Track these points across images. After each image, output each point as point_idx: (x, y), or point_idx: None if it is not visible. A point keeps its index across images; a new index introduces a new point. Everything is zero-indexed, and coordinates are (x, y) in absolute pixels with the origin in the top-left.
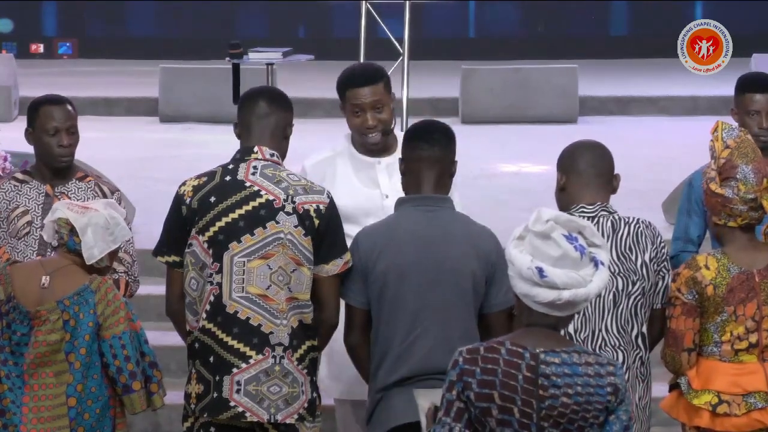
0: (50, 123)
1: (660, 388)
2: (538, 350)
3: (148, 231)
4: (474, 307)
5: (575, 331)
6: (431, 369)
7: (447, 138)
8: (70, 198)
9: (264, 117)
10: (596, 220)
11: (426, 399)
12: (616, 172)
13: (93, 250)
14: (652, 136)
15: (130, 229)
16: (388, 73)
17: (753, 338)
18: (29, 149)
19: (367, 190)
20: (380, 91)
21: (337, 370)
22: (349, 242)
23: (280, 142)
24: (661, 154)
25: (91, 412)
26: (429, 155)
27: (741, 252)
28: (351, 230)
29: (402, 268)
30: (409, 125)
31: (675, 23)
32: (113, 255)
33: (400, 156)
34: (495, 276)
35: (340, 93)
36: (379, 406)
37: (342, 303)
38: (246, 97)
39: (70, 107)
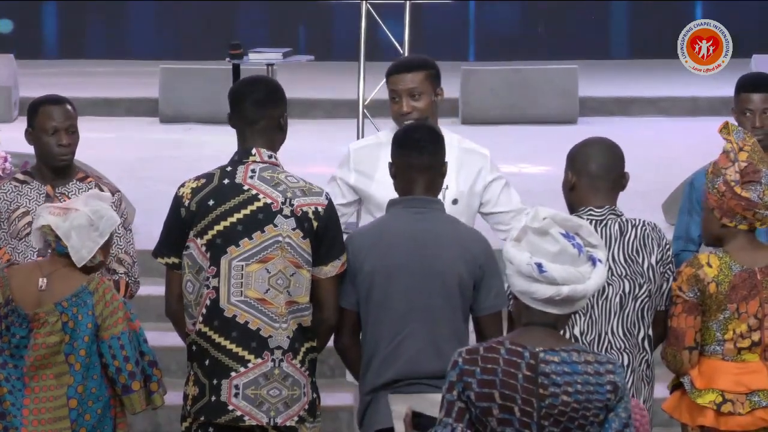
0: (49, 123)
1: (660, 389)
2: (537, 349)
3: (148, 231)
4: (462, 309)
5: (581, 334)
6: (418, 373)
7: (435, 144)
8: (70, 199)
9: (254, 122)
10: (605, 223)
11: (401, 404)
12: (625, 170)
13: (81, 252)
14: (653, 137)
15: (130, 229)
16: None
17: (756, 336)
18: (29, 150)
19: None
20: (418, 79)
21: None
22: None
23: (276, 136)
24: (662, 154)
25: (92, 412)
26: (419, 163)
27: (742, 251)
28: None
29: (390, 269)
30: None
31: (675, 23)
32: (106, 248)
33: (390, 160)
34: (484, 279)
35: (386, 82)
36: (369, 409)
37: None
38: (235, 96)
39: (69, 107)
